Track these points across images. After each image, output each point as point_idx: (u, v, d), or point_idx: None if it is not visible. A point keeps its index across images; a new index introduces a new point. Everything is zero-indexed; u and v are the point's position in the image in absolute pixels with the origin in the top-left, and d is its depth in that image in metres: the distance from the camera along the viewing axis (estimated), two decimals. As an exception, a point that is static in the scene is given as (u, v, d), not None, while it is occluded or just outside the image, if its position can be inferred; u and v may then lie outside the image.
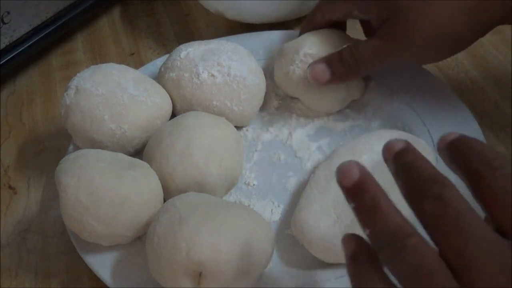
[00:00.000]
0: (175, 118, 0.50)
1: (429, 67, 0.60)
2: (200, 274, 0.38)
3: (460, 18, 0.45)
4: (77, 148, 0.51)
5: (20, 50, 0.63)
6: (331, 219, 0.43)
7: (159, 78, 0.55)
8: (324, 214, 0.43)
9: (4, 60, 0.62)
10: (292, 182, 0.50)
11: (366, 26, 0.54)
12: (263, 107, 0.56)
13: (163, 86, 0.53)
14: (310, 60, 0.51)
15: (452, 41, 0.47)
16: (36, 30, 0.64)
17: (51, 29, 0.65)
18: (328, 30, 0.54)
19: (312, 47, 0.52)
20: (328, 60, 0.50)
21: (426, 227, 0.26)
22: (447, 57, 0.51)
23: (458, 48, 0.49)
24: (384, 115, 0.54)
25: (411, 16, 0.45)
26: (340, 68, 0.49)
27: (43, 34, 0.65)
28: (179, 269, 0.38)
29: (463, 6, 0.44)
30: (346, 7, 0.51)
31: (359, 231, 0.42)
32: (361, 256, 0.28)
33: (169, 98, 0.53)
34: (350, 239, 0.29)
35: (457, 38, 0.46)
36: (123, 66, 0.53)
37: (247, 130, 0.55)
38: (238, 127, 0.53)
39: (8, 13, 0.60)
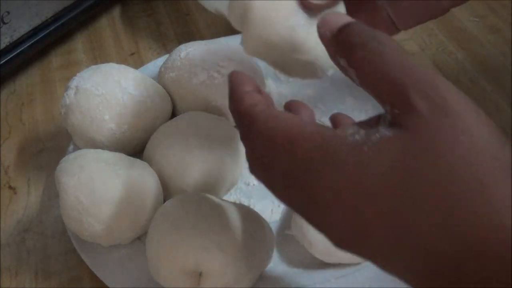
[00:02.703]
0: (175, 118, 0.50)
1: (429, 67, 0.60)
2: (200, 274, 0.38)
3: None
4: (77, 148, 0.51)
5: (20, 50, 0.63)
6: (331, 219, 0.43)
7: (159, 78, 0.55)
8: (324, 214, 0.43)
9: (4, 60, 0.62)
10: (292, 182, 0.50)
11: None
12: (263, 107, 0.56)
13: (163, 86, 0.53)
14: None
15: None
16: (36, 30, 0.64)
17: (51, 29, 0.65)
18: None
19: None
20: None
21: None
22: None
23: None
24: (384, 115, 0.54)
25: None
26: None
27: (43, 34, 0.65)
28: (179, 269, 0.38)
29: None
30: None
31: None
32: None
33: (169, 98, 0.53)
34: None
35: None
36: (123, 66, 0.53)
37: (247, 130, 0.55)
38: (238, 127, 0.53)
39: (8, 13, 0.60)
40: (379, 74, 0.24)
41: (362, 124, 0.25)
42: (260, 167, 0.27)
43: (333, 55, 0.27)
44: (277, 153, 0.26)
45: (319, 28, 0.28)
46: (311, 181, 0.24)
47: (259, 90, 0.30)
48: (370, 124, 0.25)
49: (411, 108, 0.23)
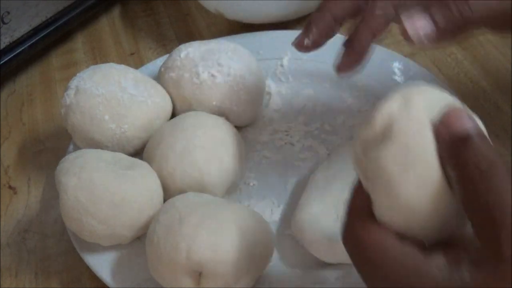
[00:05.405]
0: (175, 118, 0.50)
1: (429, 67, 0.60)
2: (200, 274, 0.38)
3: None
4: (77, 148, 0.51)
5: (20, 50, 0.63)
6: (331, 219, 0.43)
7: (159, 78, 0.55)
8: (324, 215, 0.43)
9: (4, 60, 0.62)
10: (292, 182, 0.50)
11: None
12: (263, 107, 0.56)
13: (163, 86, 0.53)
14: None
15: None
16: (36, 30, 0.64)
17: (51, 29, 0.65)
18: None
19: None
20: (431, 12, 0.37)
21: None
22: None
23: None
24: (384, 115, 0.54)
25: None
26: (446, 20, 0.37)
27: (43, 34, 0.65)
28: (179, 269, 0.38)
29: None
30: None
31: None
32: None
33: (169, 98, 0.53)
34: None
35: None
36: (123, 66, 0.53)
37: (247, 130, 0.55)
38: (238, 127, 0.53)
39: (8, 13, 0.60)
40: (480, 205, 0.24)
41: (449, 250, 0.26)
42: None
43: (443, 159, 0.26)
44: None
45: (439, 123, 0.27)
46: None
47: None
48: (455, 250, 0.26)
49: (498, 255, 0.23)
